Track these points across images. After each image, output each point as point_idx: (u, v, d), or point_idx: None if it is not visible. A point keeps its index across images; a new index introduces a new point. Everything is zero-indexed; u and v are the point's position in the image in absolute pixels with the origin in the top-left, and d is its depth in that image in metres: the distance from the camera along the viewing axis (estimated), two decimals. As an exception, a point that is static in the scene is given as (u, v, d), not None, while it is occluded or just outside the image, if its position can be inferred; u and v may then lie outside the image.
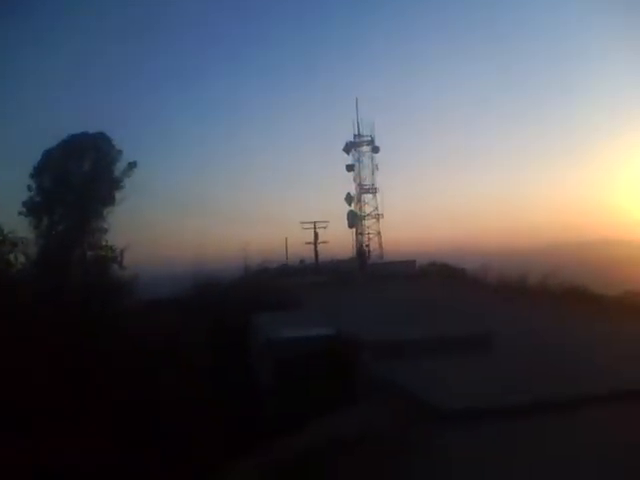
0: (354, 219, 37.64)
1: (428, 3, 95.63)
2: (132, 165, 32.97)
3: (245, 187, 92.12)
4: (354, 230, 37.89)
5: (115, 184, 32.40)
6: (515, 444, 6.27)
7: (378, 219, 38.36)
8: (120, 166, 32.64)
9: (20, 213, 30.71)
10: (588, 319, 13.30)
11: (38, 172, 31.84)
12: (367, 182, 38.45)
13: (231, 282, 24.14)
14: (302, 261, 36.89)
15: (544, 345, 10.80)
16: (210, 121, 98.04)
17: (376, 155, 38.34)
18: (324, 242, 36.54)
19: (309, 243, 36.20)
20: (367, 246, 37.83)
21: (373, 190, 38.29)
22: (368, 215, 38.45)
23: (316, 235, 36.27)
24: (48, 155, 32.12)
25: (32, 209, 31.24)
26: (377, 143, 38.29)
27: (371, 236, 38.43)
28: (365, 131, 38.30)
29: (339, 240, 38.25)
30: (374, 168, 38.34)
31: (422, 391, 8.04)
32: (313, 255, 36.36)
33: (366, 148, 38.47)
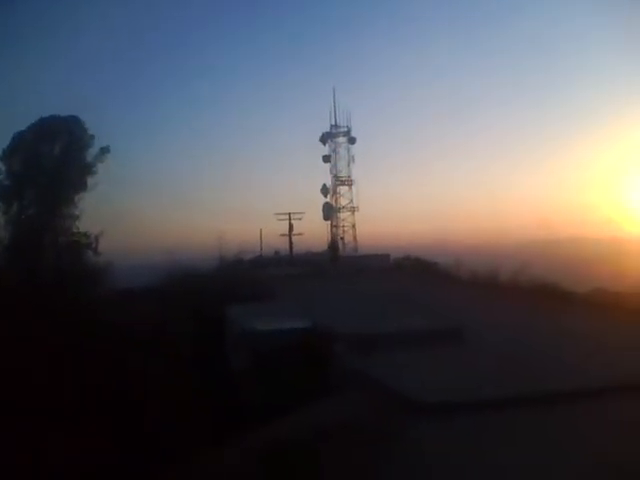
0: (329, 211, 37.57)
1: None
2: (105, 150, 32.35)
3: (220, 177, 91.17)
4: (329, 222, 37.87)
5: (87, 169, 31.78)
6: (487, 437, 6.42)
7: (353, 212, 38.37)
8: (93, 151, 32.06)
9: (-11, 196, 30.07)
10: (558, 315, 13.58)
11: (8, 155, 31.07)
12: (343, 174, 38.32)
13: (206, 273, 23.98)
14: (277, 252, 36.79)
15: (514, 340, 11.02)
16: (187, 110, 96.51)
17: (353, 146, 38.24)
18: (299, 234, 36.47)
19: (284, 235, 36.11)
20: (342, 239, 37.87)
21: (349, 182, 38.21)
22: (343, 207, 38.43)
23: (291, 226, 36.16)
24: (18, 138, 31.35)
25: (1, 193, 30.51)
26: (354, 134, 38.19)
27: (346, 229, 38.47)
28: (342, 122, 38.18)
29: (314, 232, 38.18)
30: (350, 160, 38.21)
31: (396, 383, 8.15)
32: (288, 247, 36.29)
33: (342, 139, 38.28)
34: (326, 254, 35.09)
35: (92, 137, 32.07)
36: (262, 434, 7.21)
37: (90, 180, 31.65)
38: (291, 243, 36.09)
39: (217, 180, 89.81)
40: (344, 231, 38.25)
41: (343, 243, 37.75)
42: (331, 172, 38.33)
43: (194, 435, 7.63)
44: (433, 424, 6.82)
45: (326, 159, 38.23)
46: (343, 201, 38.32)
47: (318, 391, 9.00)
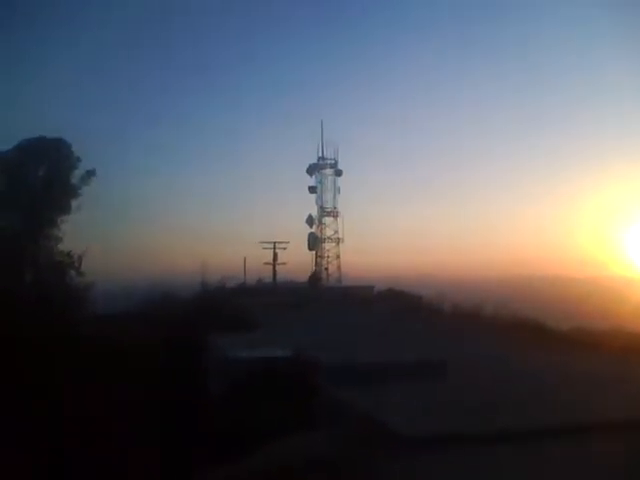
0: (314, 242, 37.66)
1: (397, 27, 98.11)
2: (90, 173, 32.23)
3: (206, 203, 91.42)
4: (314, 252, 37.89)
5: (71, 191, 31.56)
6: (470, 471, 6.31)
7: (338, 243, 38.50)
8: (78, 173, 31.89)
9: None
10: (538, 351, 13.61)
11: (-9, 174, 30.78)
12: (329, 205, 38.61)
13: (187, 298, 23.73)
14: (260, 280, 36.66)
15: (496, 375, 11.00)
16: (174, 136, 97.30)
17: (339, 178, 38.64)
18: (283, 263, 36.43)
19: (268, 263, 36.03)
20: (326, 269, 37.87)
21: (335, 213, 38.46)
22: (328, 238, 38.55)
23: (275, 255, 36.15)
24: (3, 158, 31.11)
25: (-17, 212, 30.13)
26: (340, 167, 38.62)
27: (330, 259, 38.51)
28: (329, 154, 38.62)
29: (298, 262, 38.19)
30: (336, 191, 38.55)
31: (379, 416, 8.02)
32: (271, 275, 36.18)
33: (329, 171, 38.71)
34: (308, 283, 35.04)
35: (78, 159, 31.97)
36: (233, 466, 7.01)
37: (74, 202, 31.44)
38: (275, 272, 36.00)
39: (203, 207, 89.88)
40: (328, 262, 38.29)
41: (327, 274, 37.74)
42: (317, 203, 38.60)
43: (164, 462, 7.39)
44: (416, 458, 6.68)
45: (312, 190, 38.52)
46: (328, 232, 38.51)
47: (298, 421, 8.82)
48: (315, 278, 35.30)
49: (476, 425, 7.63)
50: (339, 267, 38.40)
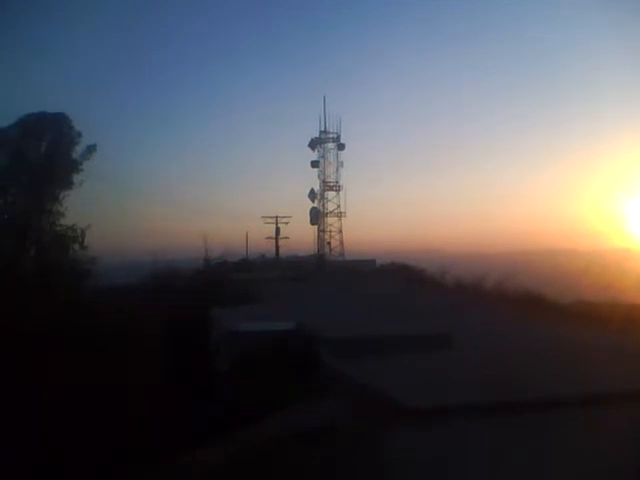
0: (317, 216, 37.70)
1: (397, 3, 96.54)
2: (92, 148, 32.11)
3: (208, 178, 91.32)
4: (317, 227, 37.96)
5: (73, 167, 31.49)
6: (473, 442, 6.41)
7: (340, 217, 38.54)
8: (79, 149, 31.78)
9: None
10: (541, 324, 13.69)
11: (-8, 150, 30.69)
12: (331, 179, 38.56)
13: (191, 274, 23.87)
14: (263, 256, 36.80)
15: (500, 347, 11.09)
16: (177, 112, 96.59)
17: (341, 152, 38.46)
18: (285, 237, 36.57)
19: (270, 238, 36.14)
20: (329, 243, 37.99)
21: (337, 187, 38.43)
22: (331, 212, 38.58)
23: (278, 230, 36.23)
24: (3, 133, 30.98)
25: (-16, 188, 30.11)
26: (343, 140, 38.39)
27: (333, 234, 38.60)
28: (332, 128, 38.38)
29: (301, 236, 38.35)
30: (339, 165, 38.44)
31: (384, 388, 8.13)
32: (274, 250, 36.31)
33: (332, 145, 38.59)
34: (312, 258, 35.13)
35: (79, 134, 31.82)
36: (241, 435, 7.15)
37: (76, 178, 31.39)
38: (277, 246, 36.13)
39: (205, 182, 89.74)
40: (331, 236, 38.37)
41: (330, 248, 37.86)
42: (319, 177, 38.54)
43: (174, 435, 7.53)
44: (419, 428, 6.80)
45: (314, 164, 38.40)
46: (330, 206, 38.49)
47: (302, 394, 8.95)
48: (321, 261, 35.36)
49: (477, 397, 7.74)
50: (342, 241, 38.54)
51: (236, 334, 12.18)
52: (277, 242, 36.18)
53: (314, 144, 38.43)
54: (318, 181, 38.50)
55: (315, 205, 37.96)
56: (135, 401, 8.82)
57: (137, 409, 8.52)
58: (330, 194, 38.56)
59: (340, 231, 38.56)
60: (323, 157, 38.51)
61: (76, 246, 26.70)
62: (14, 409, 8.48)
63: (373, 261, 33.92)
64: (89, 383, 9.22)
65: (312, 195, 37.89)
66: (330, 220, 38.52)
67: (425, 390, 8.06)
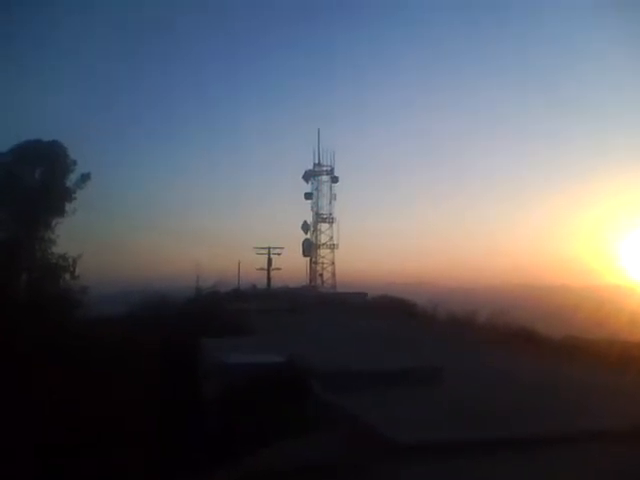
0: (309, 248, 37.75)
1: (392, 37, 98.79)
2: (85, 177, 32.17)
3: (202, 209, 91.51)
4: (309, 258, 37.97)
5: (66, 195, 31.48)
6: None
7: (333, 249, 38.60)
8: (73, 177, 31.84)
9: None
10: (532, 360, 13.64)
11: (-15, 176, 30.65)
12: (324, 211, 38.76)
13: (182, 303, 23.71)
14: (254, 286, 36.66)
15: (491, 383, 11.01)
16: (170, 140, 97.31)
17: (335, 185, 38.76)
18: (277, 269, 36.50)
19: (261, 269, 36.07)
20: (321, 275, 37.94)
21: (330, 219, 38.58)
22: (323, 244, 38.64)
23: (270, 261, 36.20)
24: (-2, 159, 31.02)
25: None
26: (337, 173, 38.72)
27: (325, 265, 38.57)
28: (325, 161, 38.76)
29: (293, 267, 38.27)
30: (332, 198, 38.70)
31: (374, 422, 8.01)
32: (265, 280, 36.22)
33: (325, 177, 38.89)
34: (303, 290, 35.01)
35: (74, 162, 31.92)
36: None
37: (69, 206, 31.36)
38: (269, 277, 36.04)
39: (198, 212, 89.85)
40: (323, 268, 38.34)
41: (322, 280, 37.79)
42: (312, 209, 38.71)
43: (157, 465, 7.37)
44: (408, 464, 6.68)
45: (308, 196, 38.64)
46: (323, 238, 38.57)
47: (291, 427, 8.81)
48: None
49: (468, 433, 7.64)
50: (334, 273, 38.50)
51: (226, 365, 12.04)
52: (269, 273, 36.12)
53: (308, 176, 38.75)
54: (311, 213, 38.73)
55: (308, 237, 38.05)
56: (116, 430, 8.65)
57: (118, 439, 8.36)
58: (323, 226, 38.75)
59: (332, 263, 38.59)
60: (317, 189, 38.82)
61: (67, 276, 26.52)
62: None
63: (365, 294, 33.83)
64: (72, 412, 9.06)
65: (305, 227, 38.01)
66: (323, 252, 38.58)
67: (417, 425, 7.95)
